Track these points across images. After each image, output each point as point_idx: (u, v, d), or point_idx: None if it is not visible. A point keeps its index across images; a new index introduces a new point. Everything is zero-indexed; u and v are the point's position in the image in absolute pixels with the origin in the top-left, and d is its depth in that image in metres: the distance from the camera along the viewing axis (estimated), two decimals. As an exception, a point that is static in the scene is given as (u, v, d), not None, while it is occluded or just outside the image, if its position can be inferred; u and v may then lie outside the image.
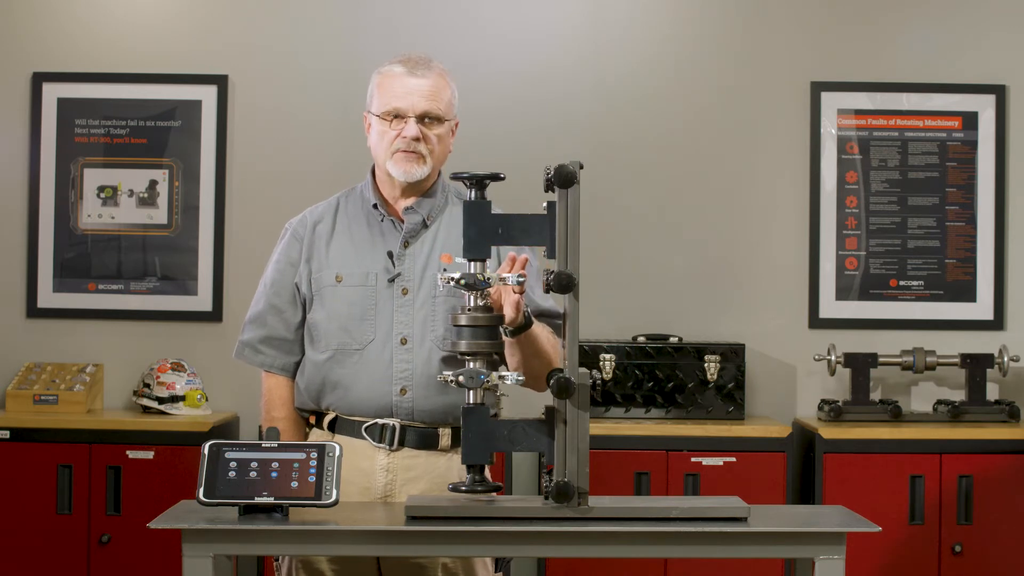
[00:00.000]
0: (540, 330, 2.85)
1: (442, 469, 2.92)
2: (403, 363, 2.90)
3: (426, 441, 2.91)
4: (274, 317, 3.04)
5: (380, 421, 2.90)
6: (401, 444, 2.90)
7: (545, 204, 2.54)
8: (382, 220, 2.99)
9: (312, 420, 3.03)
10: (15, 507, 4.53)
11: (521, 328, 2.76)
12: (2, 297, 5.02)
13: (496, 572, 2.95)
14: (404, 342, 2.90)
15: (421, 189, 2.99)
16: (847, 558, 2.42)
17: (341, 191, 3.12)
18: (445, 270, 2.84)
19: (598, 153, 4.88)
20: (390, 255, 2.95)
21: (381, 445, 2.90)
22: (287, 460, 2.48)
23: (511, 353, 2.82)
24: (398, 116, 2.92)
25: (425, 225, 2.98)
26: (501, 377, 2.55)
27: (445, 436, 2.91)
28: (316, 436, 2.99)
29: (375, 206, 3.00)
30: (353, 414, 2.93)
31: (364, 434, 2.91)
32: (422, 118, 2.92)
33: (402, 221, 2.99)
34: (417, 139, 2.91)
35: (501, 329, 2.68)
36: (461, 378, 2.52)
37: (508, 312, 2.67)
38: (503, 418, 2.66)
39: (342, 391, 2.93)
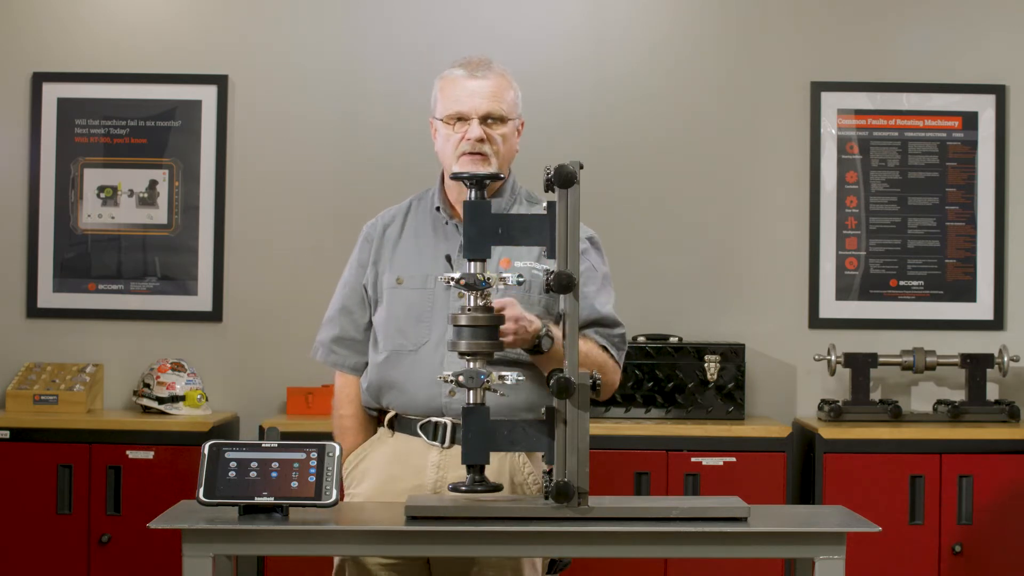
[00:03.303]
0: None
1: (494, 467, 2.91)
2: (453, 365, 2.88)
3: None
4: (345, 318, 3.08)
5: (433, 419, 2.93)
6: (453, 442, 2.91)
7: (545, 204, 2.54)
8: (446, 223, 3.01)
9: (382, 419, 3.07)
10: (15, 507, 4.53)
11: (535, 350, 2.78)
12: (2, 297, 5.02)
13: (548, 573, 2.95)
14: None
15: (489, 191, 2.97)
16: (847, 558, 2.42)
17: (414, 194, 3.13)
18: (501, 276, 2.81)
19: (598, 153, 4.88)
20: (448, 258, 2.96)
21: (434, 443, 2.92)
22: (287, 460, 2.48)
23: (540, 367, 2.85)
24: (461, 119, 2.94)
25: None
26: (501, 377, 2.55)
27: None
28: (380, 434, 3.03)
29: (438, 209, 3.02)
30: (408, 413, 2.96)
31: (419, 432, 2.93)
32: (485, 119, 2.93)
33: None
34: (481, 140, 2.92)
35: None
36: (461, 378, 2.52)
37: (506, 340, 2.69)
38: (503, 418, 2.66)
39: (398, 391, 2.96)
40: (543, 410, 2.53)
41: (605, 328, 2.94)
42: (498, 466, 2.90)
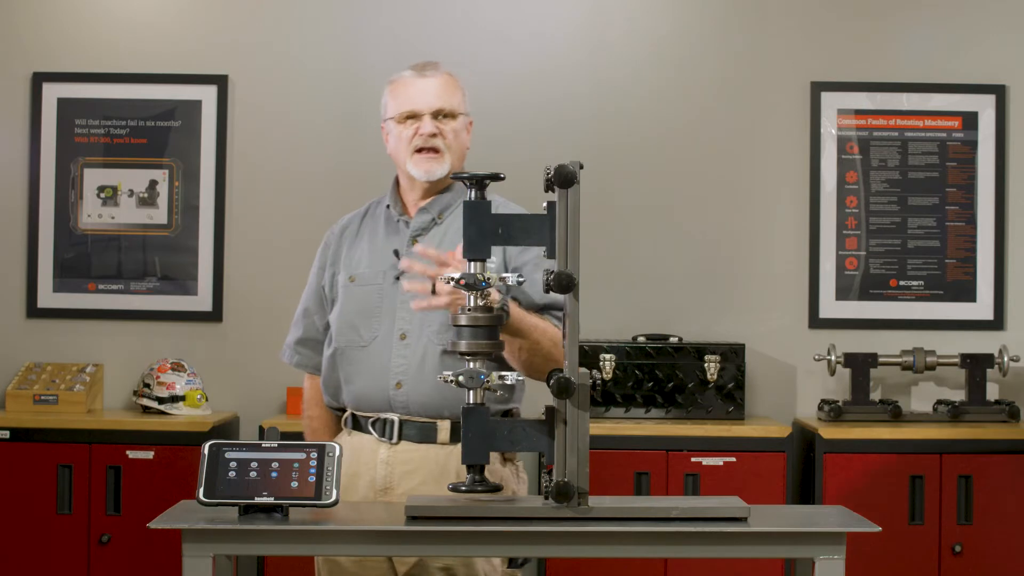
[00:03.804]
0: (527, 324, 2.83)
1: (440, 462, 2.96)
2: (400, 358, 2.96)
3: (425, 435, 2.96)
4: (307, 319, 3.19)
5: (382, 416, 2.98)
6: (400, 438, 2.97)
7: (545, 204, 2.53)
8: (397, 220, 3.09)
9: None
10: (15, 507, 4.53)
11: None
12: (2, 297, 5.02)
13: (510, 567, 2.97)
14: (403, 337, 2.98)
15: (439, 188, 3.07)
16: (847, 558, 2.42)
17: (373, 198, 3.21)
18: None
19: (598, 153, 4.88)
20: (396, 253, 3.01)
21: (383, 439, 2.97)
22: (287, 460, 2.48)
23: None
24: (413, 116, 3.02)
25: (435, 223, 3.04)
26: (501, 377, 2.55)
27: (444, 430, 2.96)
28: (341, 433, 3.09)
29: (388, 207, 3.10)
30: (360, 409, 3.02)
31: (371, 429, 2.99)
32: (436, 115, 3.02)
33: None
34: (434, 135, 3.00)
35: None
36: (461, 378, 2.52)
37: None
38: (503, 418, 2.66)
39: (350, 386, 3.02)
40: (543, 410, 2.53)
41: (557, 310, 2.96)
42: (448, 461, 2.95)
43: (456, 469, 2.93)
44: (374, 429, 2.99)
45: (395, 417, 2.97)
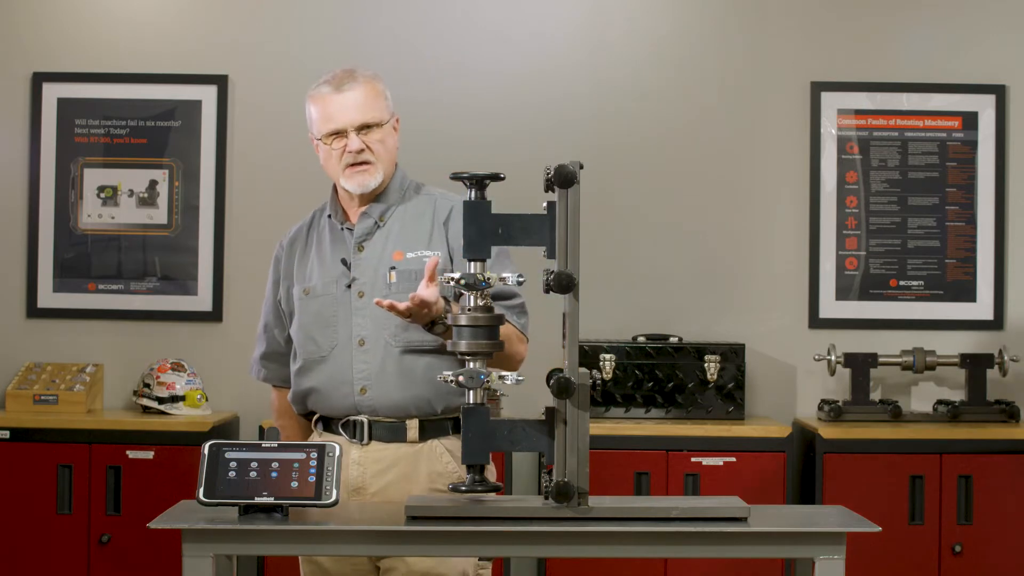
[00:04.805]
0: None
1: (410, 460, 3.00)
2: (361, 364, 3.01)
3: (395, 434, 3.01)
4: (268, 334, 3.22)
5: (352, 418, 3.02)
6: (371, 438, 3.01)
7: (545, 204, 2.54)
8: (341, 229, 3.11)
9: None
10: (15, 507, 4.53)
11: (431, 328, 2.85)
12: (2, 297, 5.02)
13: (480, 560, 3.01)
14: (362, 343, 3.02)
15: (376, 193, 3.10)
16: (847, 558, 2.42)
17: (318, 206, 3.22)
18: (393, 268, 2.99)
19: (598, 153, 4.88)
20: (344, 262, 3.06)
21: (354, 440, 3.01)
22: (287, 460, 2.48)
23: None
24: (338, 134, 3.03)
25: (378, 226, 3.08)
26: (501, 377, 2.55)
27: (412, 428, 3.01)
28: (312, 436, 3.14)
29: (329, 216, 3.13)
30: (329, 415, 3.06)
31: (341, 431, 3.03)
32: (360, 129, 3.02)
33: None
34: (361, 150, 3.02)
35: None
36: (461, 378, 2.52)
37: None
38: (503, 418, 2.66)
39: (316, 395, 3.07)
40: (543, 410, 2.54)
41: (503, 300, 3.00)
42: (418, 459, 2.98)
43: (427, 468, 2.98)
44: (344, 431, 3.02)
45: (364, 419, 3.00)
